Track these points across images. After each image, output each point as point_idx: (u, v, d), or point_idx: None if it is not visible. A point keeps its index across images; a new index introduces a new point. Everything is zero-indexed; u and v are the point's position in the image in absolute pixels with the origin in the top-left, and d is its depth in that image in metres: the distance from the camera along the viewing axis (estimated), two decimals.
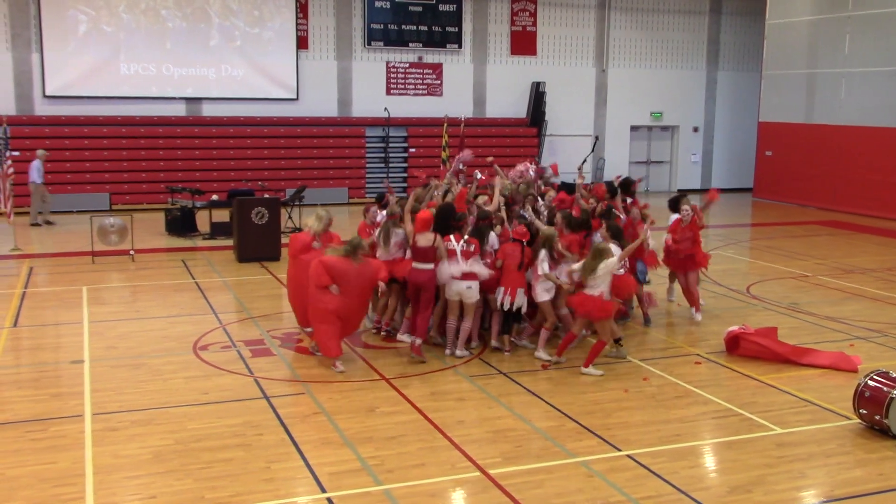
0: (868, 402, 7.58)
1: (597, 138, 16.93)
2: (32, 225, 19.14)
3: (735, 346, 9.95)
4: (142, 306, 12.33)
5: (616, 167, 26.70)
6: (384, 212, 10.75)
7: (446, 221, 9.67)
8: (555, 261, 9.57)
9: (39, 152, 19.72)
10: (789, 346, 9.78)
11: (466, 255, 9.51)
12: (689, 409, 8.29)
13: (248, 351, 10.00)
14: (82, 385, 8.74)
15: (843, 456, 7.26)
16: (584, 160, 18.26)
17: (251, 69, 23.66)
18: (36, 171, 19.31)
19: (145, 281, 13.95)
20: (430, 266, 9.40)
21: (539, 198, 11.60)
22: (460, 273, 9.45)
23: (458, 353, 9.72)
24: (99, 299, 12.65)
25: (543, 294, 9.63)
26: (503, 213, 10.42)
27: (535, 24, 26.39)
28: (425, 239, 9.37)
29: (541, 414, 8.07)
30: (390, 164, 24.68)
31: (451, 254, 9.51)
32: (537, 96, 26.14)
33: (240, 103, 23.76)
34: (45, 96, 22.10)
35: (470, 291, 9.49)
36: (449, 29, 25.40)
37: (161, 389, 8.70)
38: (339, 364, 9.22)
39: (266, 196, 16.85)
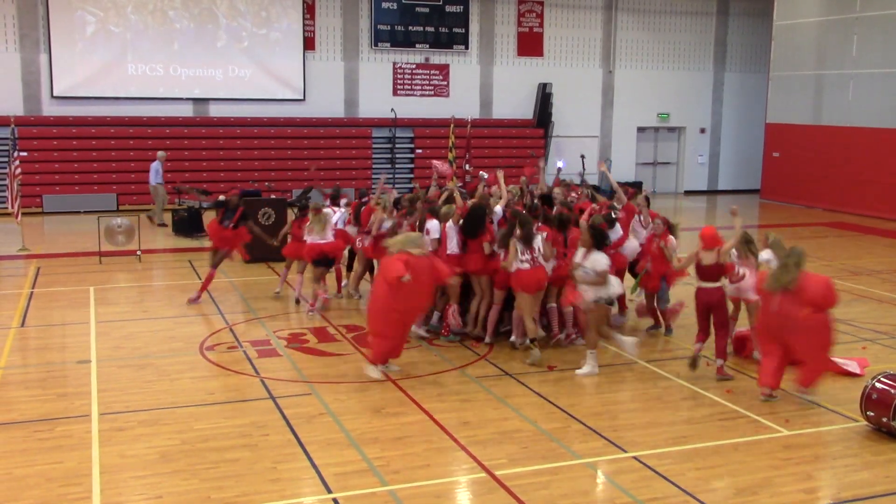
0: (875, 404, 7.55)
1: (583, 157, 16.99)
2: (160, 225, 19.35)
3: (743, 347, 9.93)
4: (149, 306, 12.36)
5: (623, 168, 26.71)
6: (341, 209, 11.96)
7: (478, 222, 10.00)
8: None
9: (160, 154, 19.93)
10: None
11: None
12: (696, 411, 8.28)
13: (254, 351, 10.01)
14: (89, 385, 8.77)
15: (850, 458, 7.24)
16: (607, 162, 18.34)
17: (258, 70, 23.69)
18: (154, 172, 19.47)
19: (152, 281, 14.00)
20: (718, 284, 8.98)
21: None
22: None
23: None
24: (106, 299, 12.68)
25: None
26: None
27: (541, 25, 26.37)
28: (710, 257, 8.94)
29: (547, 415, 8.07)
30: (397, 165, 24.69)
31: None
32: (544, 97, 26.12)
33: (247, 104, 23.79)
34: (52, 97, 22.16)
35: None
36: (456, 30, 25.40)
37: (167, 390, 8.72)
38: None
39: (273, 197, 16.86)
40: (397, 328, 8.94)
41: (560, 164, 14.66)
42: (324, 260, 11.63)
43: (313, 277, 11.71)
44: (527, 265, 9.47)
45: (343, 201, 12.93)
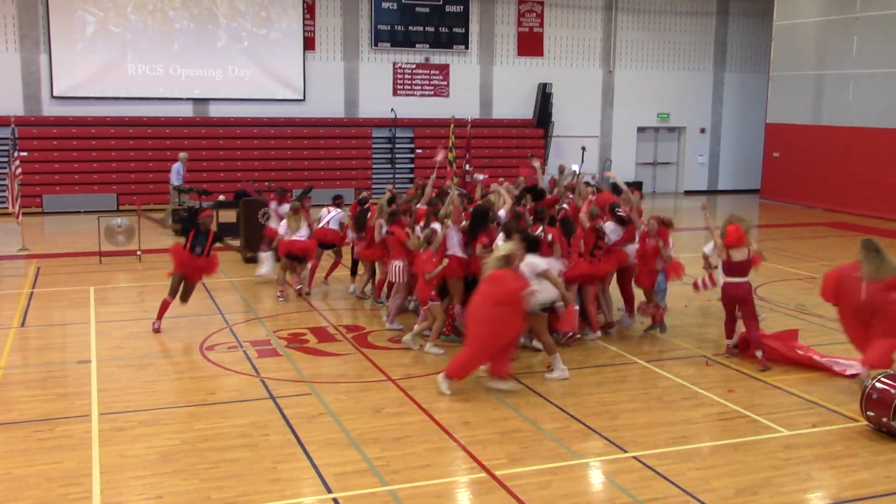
0: (875, 404, 7.55)
1: (584, 149, 16.91)
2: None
3: (746, 347, 9.89)
4: (149, 306, 12.33)
5: (623, 168, 26.71)
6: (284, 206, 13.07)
7: (483, 223, 10.00)
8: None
9: (182, 155, 19.90)
10: (799, 354, 9.63)
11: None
12: (696, 411, 8.28)
13: (254, 351, 10.01)
14: (89, 385, 8.77)
15: (850, 458, 7.23)
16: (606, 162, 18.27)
17: (258, 70, 23.70)
18: (175, 173, 19.47)
19: (152, 281, 13.97)
20: (746, 279, 9.50)
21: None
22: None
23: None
24: (106, 299, 12.68)
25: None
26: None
27: (541, 25, 26.38)
28: (741, 253, 9.43)
29: (547, 415, 8.07)
30: (397, 165, 24.70)
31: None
32: (544, 97, 26.12)
33: (247, 104, 23.80)
34: (52, 97, 22.17)
35: None
36: (456, 30, 25.41)
37: (167, 389, 8.72)
38: None
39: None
40: (499, 347, 8.60)
41: (575, 167, 14.32)
42: (292, 255, 12.44)
43: (288, 269, 12.64)
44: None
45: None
